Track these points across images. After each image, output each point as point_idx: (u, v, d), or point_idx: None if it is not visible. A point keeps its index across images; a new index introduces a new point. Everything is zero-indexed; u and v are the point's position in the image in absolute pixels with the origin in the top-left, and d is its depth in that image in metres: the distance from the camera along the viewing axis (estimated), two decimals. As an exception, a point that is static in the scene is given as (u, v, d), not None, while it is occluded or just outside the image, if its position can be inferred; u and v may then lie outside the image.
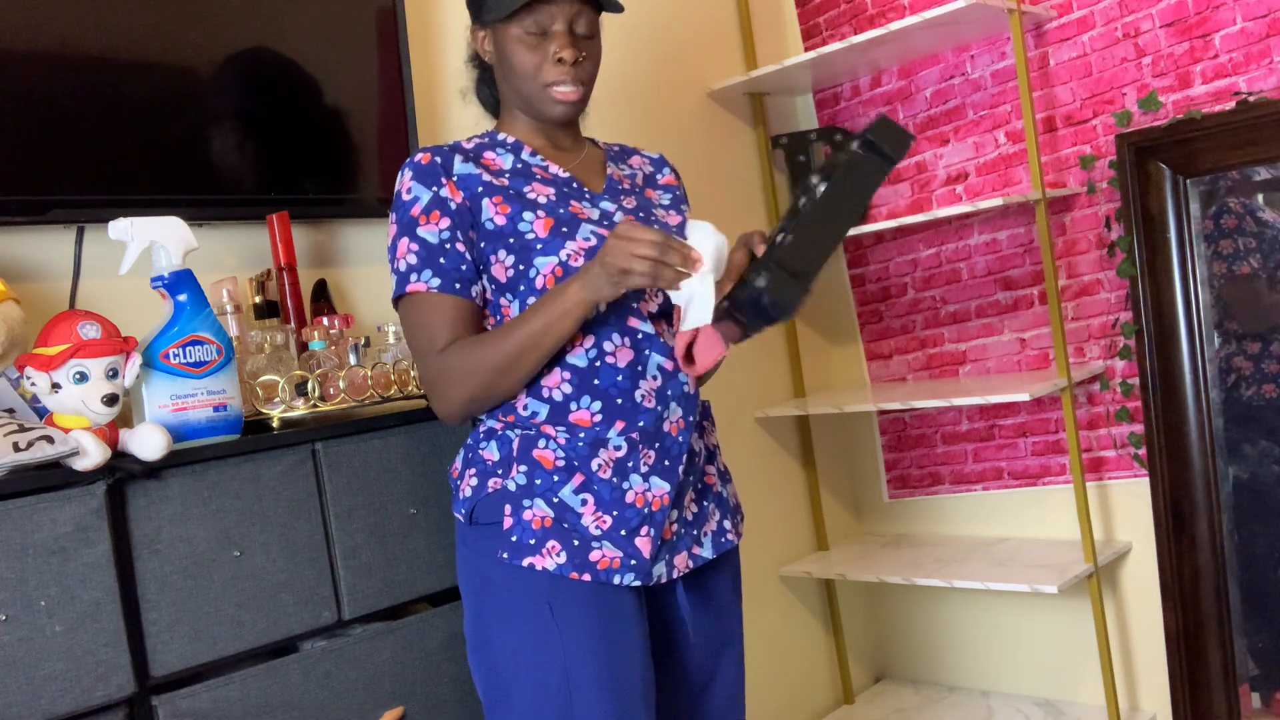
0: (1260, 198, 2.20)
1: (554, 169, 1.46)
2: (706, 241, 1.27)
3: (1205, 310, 2.22)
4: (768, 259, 1.25)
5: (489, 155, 1.45)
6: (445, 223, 1.37)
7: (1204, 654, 2.23)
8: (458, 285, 1.37)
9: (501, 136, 1.49)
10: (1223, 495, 2.22)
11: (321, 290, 1.82)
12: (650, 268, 1.22)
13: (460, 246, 1.38)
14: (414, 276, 1.37)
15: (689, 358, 1.38)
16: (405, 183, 1.40)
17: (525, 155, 1.47)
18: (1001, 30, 2.42)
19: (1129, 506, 2.40)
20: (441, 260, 1.37)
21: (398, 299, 1.40)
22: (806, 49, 2.79)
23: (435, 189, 1.38)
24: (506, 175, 1.43)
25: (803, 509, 2.77)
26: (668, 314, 1.43)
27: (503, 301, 1.40)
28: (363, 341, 1.63)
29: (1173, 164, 2.23)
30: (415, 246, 1.37)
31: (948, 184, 2.62)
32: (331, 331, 1.62)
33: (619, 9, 1.45)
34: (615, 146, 1.61)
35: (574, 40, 1.41)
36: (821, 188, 1.27)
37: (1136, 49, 2.29)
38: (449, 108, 2.06)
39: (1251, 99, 2.13)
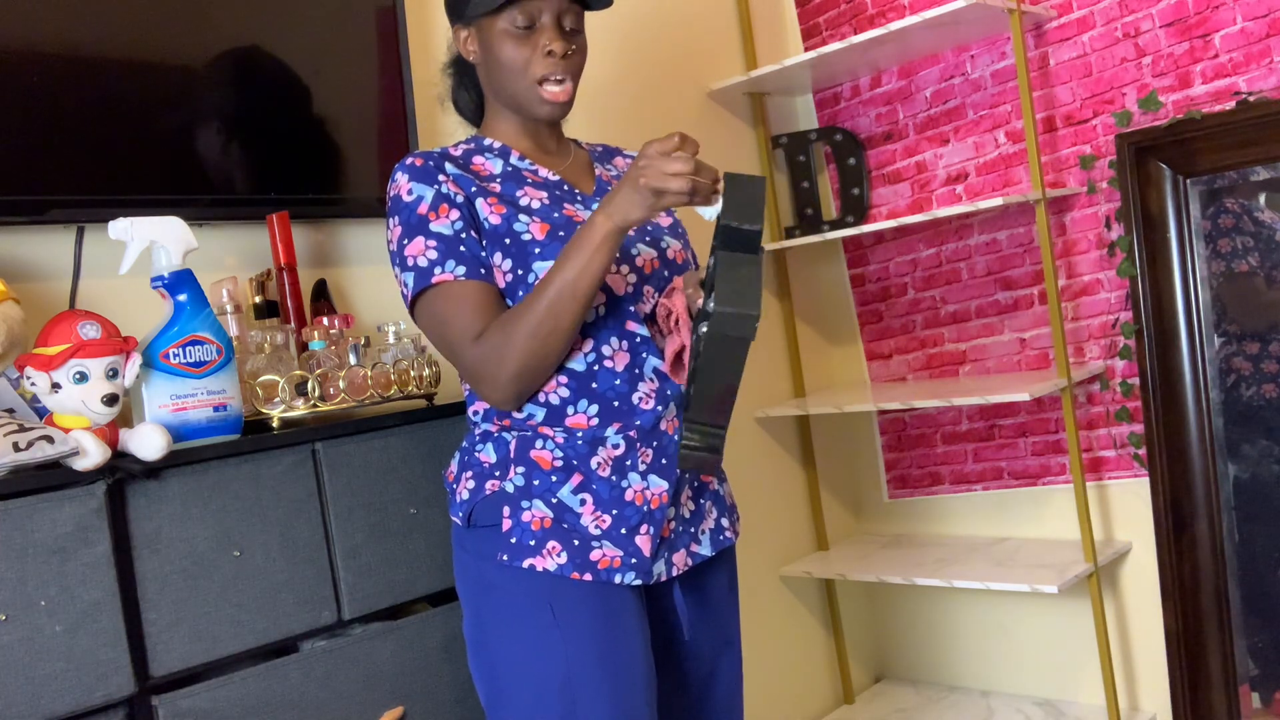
0: (1261, 198, 2.20)
1: (544, 172, 1.46)
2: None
3: (1205, 310, 2.22)
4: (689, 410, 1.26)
5: (478, 160, 1.44)
6: (455, 214, 1.36)
7: (1204, 654, 2.23)
8: (482, 270, 1.35)
9: (488, 141, 1.48)
10: (1223, 495, 2.22)
11: (321, 290, 1.81)
12: (686, 184, 1.20)
13: (474, 234, 1.36)
14: (438, 270, 1.33)
15: (678, 363, 1.37)
16: (403, 185, 1.37)
17: (514, 160, 1.45)
18: (1001, 30, 2.42)
19: (1129, 506, 2.40)
20: (461, 249, 1.34)
21: (419, 294, 1.35)
22: (806, 49, 2.79)
23: (436, 186, 1.37)
24: (498, 180, 1.42)
25: (803, 509, 2.77)
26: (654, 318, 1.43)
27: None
28: (363, 341, 1.63)
29: (1173, 164, 2.23)
30: (433, 242, 1.34)
31: (948, 184, 2.61)
32: (331, 331, 1.62)
33: (606, 4, 1.44)
34: (599, 147, 1.60)
35: (563, 34, 1.41)
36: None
37: (1136, 49, 2.28)
38: (448, 108, 2.06)
39: (1251, 99, 2.13)
